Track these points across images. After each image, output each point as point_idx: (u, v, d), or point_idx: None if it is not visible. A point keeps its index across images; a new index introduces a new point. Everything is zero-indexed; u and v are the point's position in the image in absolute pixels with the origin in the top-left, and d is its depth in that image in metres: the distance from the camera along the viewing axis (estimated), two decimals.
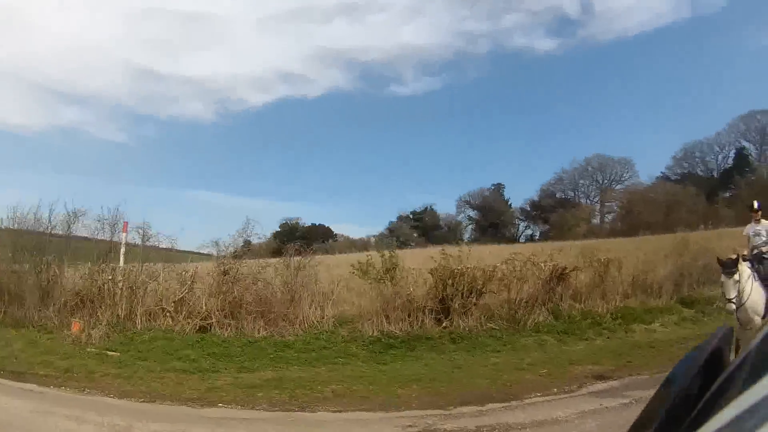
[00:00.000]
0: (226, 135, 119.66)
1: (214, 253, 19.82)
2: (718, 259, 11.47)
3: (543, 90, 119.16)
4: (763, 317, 11.09)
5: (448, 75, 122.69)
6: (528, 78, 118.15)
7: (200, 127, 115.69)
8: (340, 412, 10.41)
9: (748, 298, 10.76)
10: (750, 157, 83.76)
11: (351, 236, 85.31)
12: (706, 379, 1.29)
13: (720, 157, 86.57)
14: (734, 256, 11.16)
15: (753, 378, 1.03)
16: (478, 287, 17.76)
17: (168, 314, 17.23)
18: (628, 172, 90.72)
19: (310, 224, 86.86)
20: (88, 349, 14.85)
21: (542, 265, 18.94)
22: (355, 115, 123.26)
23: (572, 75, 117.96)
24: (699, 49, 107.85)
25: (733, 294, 10.65)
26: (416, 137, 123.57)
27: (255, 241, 22.85)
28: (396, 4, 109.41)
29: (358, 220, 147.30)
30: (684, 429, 1.19)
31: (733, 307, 10.68)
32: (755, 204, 13.20)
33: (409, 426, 9.36)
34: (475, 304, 17.51)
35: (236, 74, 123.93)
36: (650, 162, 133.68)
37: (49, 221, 19.62)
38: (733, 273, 10.72)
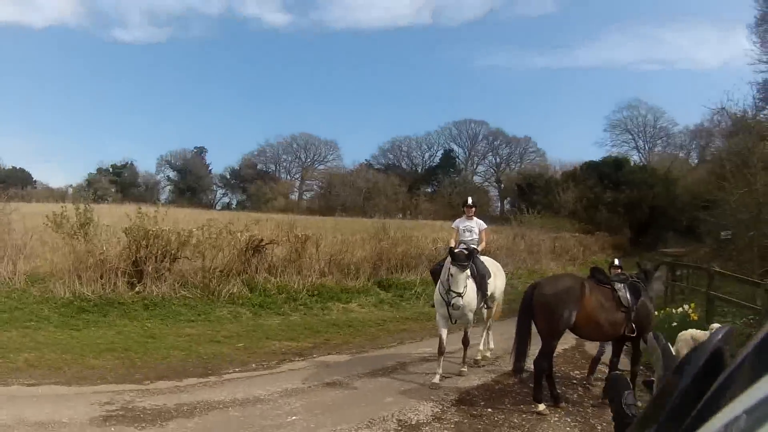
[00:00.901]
0: None
1: None
2: (450, 249, 11.36)
3: (266, 61, 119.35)
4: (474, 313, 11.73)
5: (174, 29, 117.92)
6: (252, 47, 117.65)
7: None
8: (34, 385, 9.86)
9: (465, 294, 10.82)
10: (457, 159, 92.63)
11: (51, 185, 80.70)
12: (706, 379, 1.32)
13: (427, 155, 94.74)
14: (466, 250, 11.35)
15: (753, 378, 1.04)
16: (173, 252, 17.59)
17: None
18: (332, 155, 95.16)
19: (10, 167, 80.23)
20: None
21: (239, 234, 19.17)
22: (73, 54, 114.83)
23: (297, 54, 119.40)
24: (431, 54, 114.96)
25: (461, 288, 10.64)
26: (127, 88, 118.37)
27: None
28: None
29: (60, 166, 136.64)
30: (684, 429, 1.24)
31: (461, 302, 10.71)
32: (470, 200, 13.55)
33: (107, 403, 9.09)
34: (169, 270, 17.30)
35: None
36: (356, 150, 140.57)
37: None
38: (466, 267, 10.80)
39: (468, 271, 10.94)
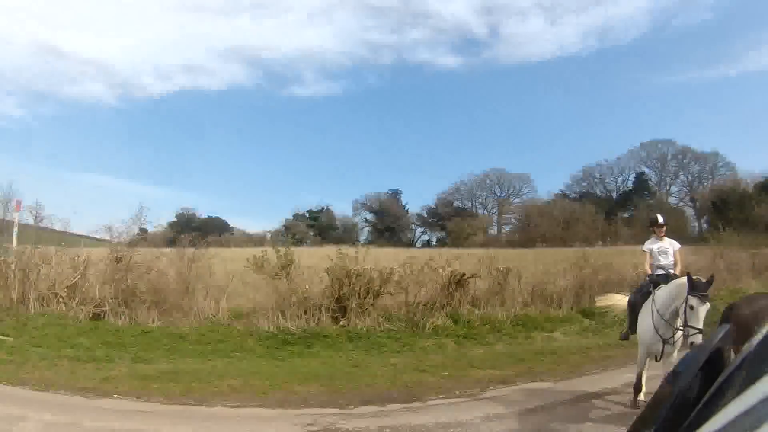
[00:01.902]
0: (127, 121, 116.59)
1: (108, 238, 18.92)
2: (689, 276, 9.27)
3: (444, 104, 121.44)
4: None
5: (348, 81, 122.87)
6: (429, 91, 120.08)
7: (100, 110, 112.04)
8: (237, 407, 10.01)
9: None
10: (649, 182, 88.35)
11: (247, 231, 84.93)
12: (706, 379, 1.32)
13: (620, 179, 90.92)
14: (703, 279, 9.31)
15: (753, 378, 1.04)
16: (375, 288, 17.59)
17: (61, 300, 16.47)
18: (526, 187, 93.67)
19: (206, 216, 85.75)
20: None
21: (440, 270, 18.85)
22: (255, 112, 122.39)
23: (474, 92, 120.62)
24: (605, 78, 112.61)
25: (701, 323, 8.77)
26: (314, 139, 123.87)
27: (150, 229, 22.21)
28: (305, 6, 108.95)
29: (254, 216, 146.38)
30: (684, 429, 1.21)
31: (700, 339, 8.57)
32: (660, 218, 11.92)
33: (309, 424, 9.04)
34: (372, 305, 17.33)
35: (140, 60, 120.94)
36: (548, 181, 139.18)
37: None
38: (708, 298, 8.99)
39: (708, 304, 9.03)
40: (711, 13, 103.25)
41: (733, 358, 1.34)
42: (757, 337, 1.26)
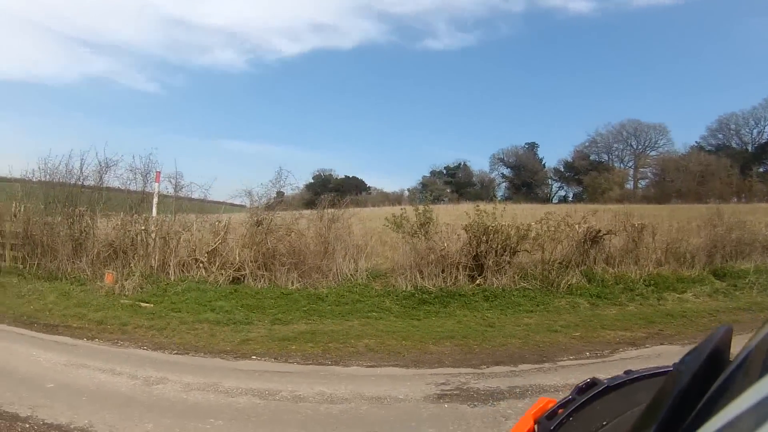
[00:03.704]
0: (258, 85, 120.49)
1: (247, 203, 19.58)
2: None
3: (577, 52, 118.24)
4: None
5: (481, 32, 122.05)
6: (562, 39, 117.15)
7: (232, 77, 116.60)
8: (373, 367, 10.37)
9: None
10: None
11: (384, 189, 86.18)
12: (706, 379, 1.24)
13: (755, 131, 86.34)
14: None
15: (753, 378, 0.99)
16: (512, 245, 17.57)
17: (202, 265, 17.27)
18: (662, 139, 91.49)
19: (343, 176, 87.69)
20: (122, 301, 14.83)
21: (576, 226, 18.76)
22: (388, 69, 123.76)
23: (606, 38, 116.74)
24: (738, 24, 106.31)
25: None
26: (450, 93, 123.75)
27: (288, 192, 22.67)
28: None
29: (391, 174, 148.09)
30: (684, 429, 1.15)
31: None
32: None
33: (442, 384, 9.27)
34: (509, 263, 17.32)
35: (268, 24, 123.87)
36: (685, 131, 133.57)
37: (81, 172, 19.55)
38: None
39: None
40: None
41: (733, 358, 1.27)
42: (758, 337, 1.19)
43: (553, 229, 18.32)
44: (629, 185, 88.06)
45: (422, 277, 16.69)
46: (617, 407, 1.85)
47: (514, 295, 16.26)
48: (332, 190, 28.57)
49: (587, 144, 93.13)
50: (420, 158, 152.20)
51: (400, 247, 18.55)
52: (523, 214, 21.47)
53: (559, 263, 17.81)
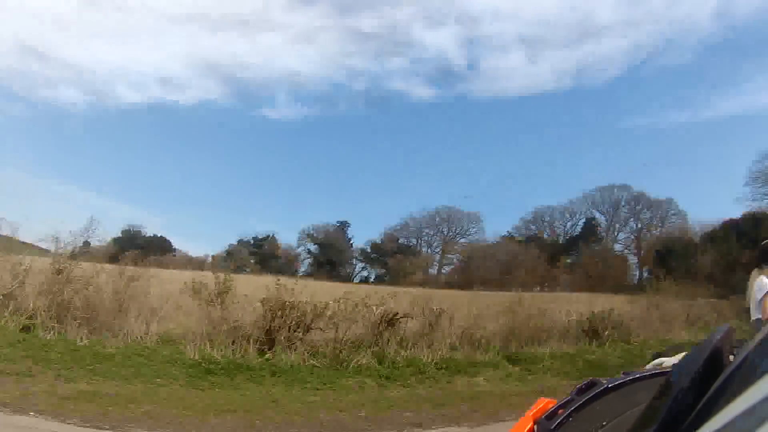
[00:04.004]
0: (93, 127, 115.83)
1: (53, 249, 18.99)
2: None
3: (407, 135, 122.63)
4: None
5: (320, 106, 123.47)
6: (397, 121, 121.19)
7: (69, 115, 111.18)
8: None
9: None
10: (598, 227, 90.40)
11: (190, 253, 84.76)
12: (706, 379, 1.32)
13: (569, 224, 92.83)
14: None
15: (753, 378, 1.04)
16: (307, 323, 17.80)
17: None
18: (474, 227, 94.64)
19: (151, 235, 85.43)
20: None
21: (374, 308, 19.13)
22: (220, 131, 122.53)
23: (440, 125, 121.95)
24: (573, 118, 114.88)
25: None
26: (276, 162, 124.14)
27: (95, 243, 22.15)
28: (292, 26, 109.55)
29: (200, 237, 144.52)
30: (684, 429, 1.23)
31: None
32: None
33: None
34: (301, 339, 17.47)
35: (116, 68, 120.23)
36: (499, 222, 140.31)
37: None
38: None
39: None
40: (691, 56, 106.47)
41: (733, 358, 1.37)
42: (758, 337, 1.27)
43: (350, 309, 18.61)
44: (434, 270, 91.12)
45: (212, 347, 16.52)
46: (617, 407, 1.95)
47: (302, 371, 16.32)
48: (138, 248, 28.14)
49: (398, 227, 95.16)
50: (231, 224, 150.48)
51: (195, 313, 18.38)
52: (323, 291, 21.81)
53: (352, 343, 18.11)
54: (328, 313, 18.36)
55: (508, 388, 17.25)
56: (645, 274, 74.06)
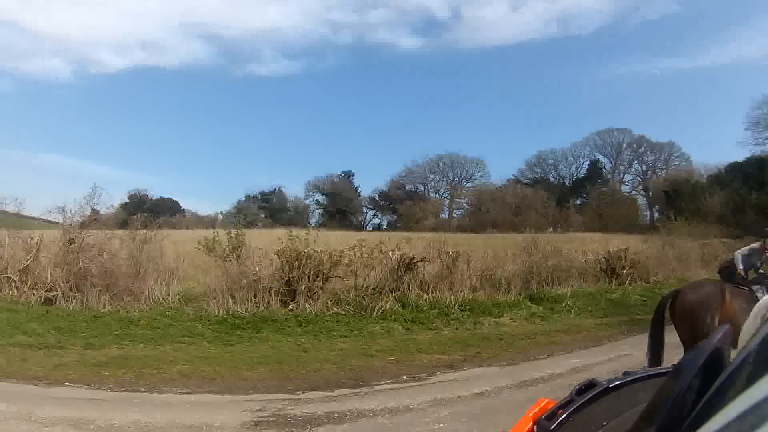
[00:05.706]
0: (83, 97, 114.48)
1: (60, 220, 18.75)
2: None
3: (401, 85, 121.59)
4: None
5: (308, 60, 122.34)
6: (387, 72, 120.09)
7: (57, 87, 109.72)
8: (187, 393, 10.15)
9: None
10: (603, 170, 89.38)
11: (199, 212, 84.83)
12: (706, 379, 1.32)
13: (573, 167, 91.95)
14: None
15: (753, 378, 1.03)
16: (325, 271, 17.72)
17: (13, 284, 16.42)
18: (479, 172, 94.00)
19: (158, 197, 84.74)
20: None
21: (390, 253, 19.04)
22: (211, 91, 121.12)
23: (432, 74, 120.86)
24: (564, 66, 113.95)
25: None
26: (270, 118, 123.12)
27: (103, 210, 21.95)
28: None
29: (207, 197, 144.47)
30: (684, 429, 1.21)
31: None
32: None
33: (258, 410, 9.20)
34: (321, 288, 17.45)
35: (97, 34, 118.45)
36: (503, 166, 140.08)
37: None
38: None
39: None
40: (678, 6, 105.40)
41: (732, 358, 1.34)
42: (758, 337, 1.25)
43: (366, 255, 18.54)
44: (444, 215, 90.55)
45: (235, 302, 16.50)
46: (617, 408, 1.92)
47: (327, 320, 16.36)
48: (147, 211, 27.84)
49: (403, 174, 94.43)
50: (236, 182, 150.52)
51: (213, 270, 18.32)
52: (337, 240, 21.69)
53: (373, 289, 18.02)
54: (345, 260, 18.27)
55: (533, 327, 17.28)
56: (656, 215, 74.26)
